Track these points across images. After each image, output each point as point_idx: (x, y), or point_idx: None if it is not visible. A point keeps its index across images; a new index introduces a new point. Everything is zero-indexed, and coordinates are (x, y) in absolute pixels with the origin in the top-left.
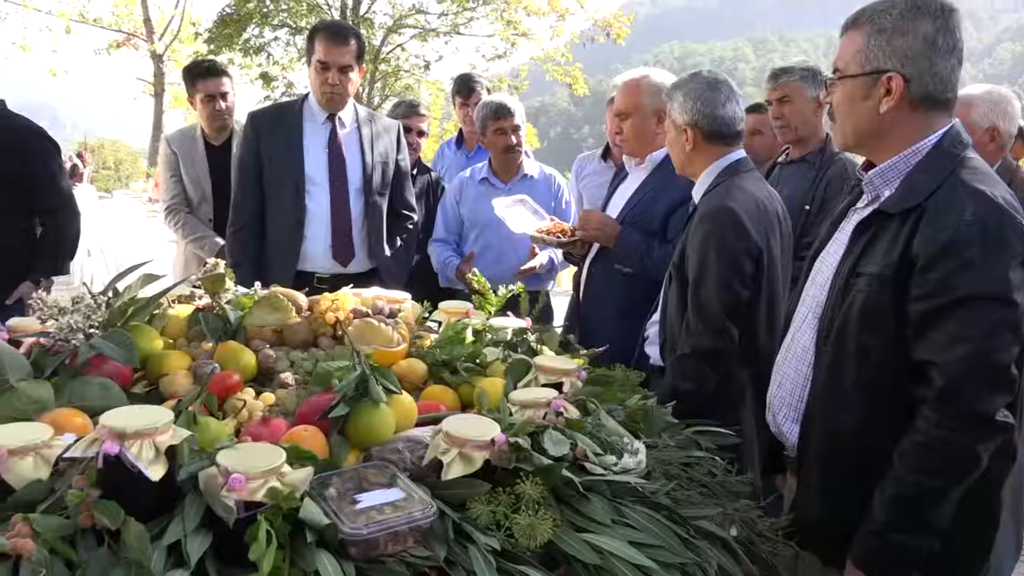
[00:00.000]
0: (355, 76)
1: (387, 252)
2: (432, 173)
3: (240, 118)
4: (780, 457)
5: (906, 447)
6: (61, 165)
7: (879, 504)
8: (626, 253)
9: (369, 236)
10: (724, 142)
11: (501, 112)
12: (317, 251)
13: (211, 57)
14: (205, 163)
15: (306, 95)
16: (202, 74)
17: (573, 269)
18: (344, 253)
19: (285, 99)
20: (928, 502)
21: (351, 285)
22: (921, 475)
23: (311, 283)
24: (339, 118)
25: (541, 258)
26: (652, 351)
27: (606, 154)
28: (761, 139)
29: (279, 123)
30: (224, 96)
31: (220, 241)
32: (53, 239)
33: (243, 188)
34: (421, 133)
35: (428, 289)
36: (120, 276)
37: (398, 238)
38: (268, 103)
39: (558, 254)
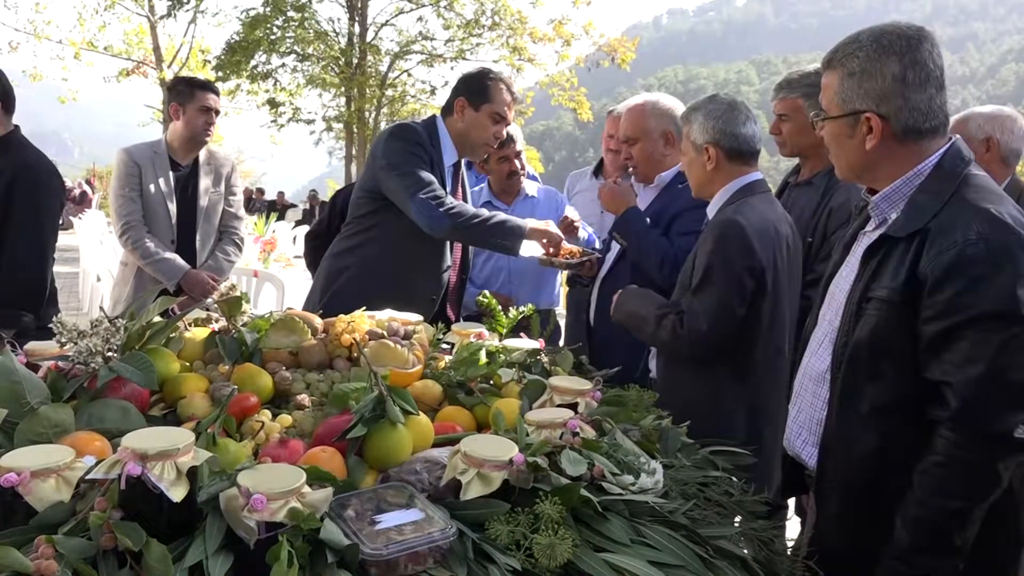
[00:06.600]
0: None
1: None
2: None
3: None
4: (801, 476)
5: (925, 468)
6: (53, 210)
7: (901, 528)
8: (627, 226)
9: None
10: (743, 160)
11: (504, 142)
12: None
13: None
14: (171, 183)
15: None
16: (205, 85)
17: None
18: None
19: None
20: (951, 523)
21: None
22: (942, 497)
23: None
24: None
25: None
26: (653, 365)
27: (598, 171)
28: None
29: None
30: (216, 114)
31: (184, 265)
32: (8, 286)
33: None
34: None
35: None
36: (137, 299)
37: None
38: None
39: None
